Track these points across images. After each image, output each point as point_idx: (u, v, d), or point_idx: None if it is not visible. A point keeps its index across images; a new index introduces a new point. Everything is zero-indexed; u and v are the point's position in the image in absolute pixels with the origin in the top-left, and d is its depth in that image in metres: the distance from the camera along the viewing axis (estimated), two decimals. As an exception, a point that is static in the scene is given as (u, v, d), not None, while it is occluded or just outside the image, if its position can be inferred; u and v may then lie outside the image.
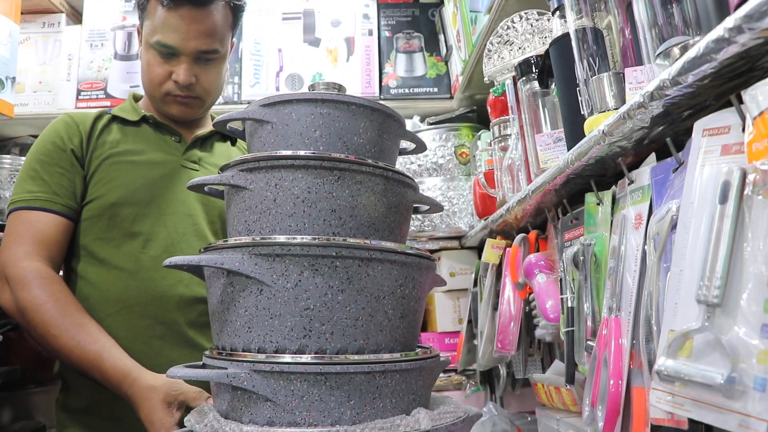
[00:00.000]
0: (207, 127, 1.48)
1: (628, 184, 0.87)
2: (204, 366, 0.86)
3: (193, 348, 1.26)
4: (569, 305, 0.99)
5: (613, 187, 0.93)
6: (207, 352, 0.88)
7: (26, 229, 1.25)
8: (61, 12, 2.39)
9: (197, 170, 1.38)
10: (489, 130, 1.66)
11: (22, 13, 1.94)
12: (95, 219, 1.30)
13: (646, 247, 0.77)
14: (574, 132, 1.01)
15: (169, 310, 1.26)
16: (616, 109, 0.87)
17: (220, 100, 2.25)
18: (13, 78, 1.83)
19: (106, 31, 2.37)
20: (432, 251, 2.01)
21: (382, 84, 2.32)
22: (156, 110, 1.42)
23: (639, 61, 0.87)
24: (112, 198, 1.29)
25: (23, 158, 2.18)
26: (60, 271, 1.31)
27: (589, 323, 0.93)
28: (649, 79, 0.78)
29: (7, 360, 1.67)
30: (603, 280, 0.90)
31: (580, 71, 0.97)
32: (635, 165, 0.88)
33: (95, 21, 2.39)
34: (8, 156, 2.21)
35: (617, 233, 0.86)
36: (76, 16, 2.45)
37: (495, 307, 1.46)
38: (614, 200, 0.92)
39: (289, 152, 0.86)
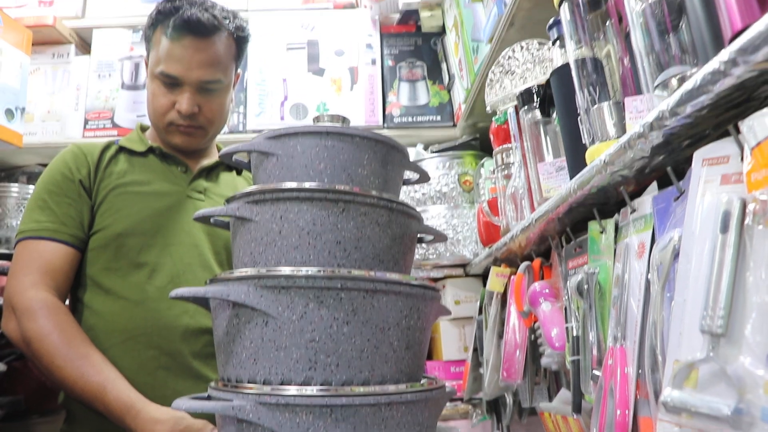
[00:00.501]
0: (213, 158, 1.49)
1: (631, 213, 0.87)
2: (209, 398, 0.86)
3: (198, 379, 1.25)
4: (574, 334, 0.99)
5: (616, 215, 0.93)
6: (212, 384, 0.88)
7: (33, 259, 1.26)
8: (71, 43, 2.42)
9: (203, 201, 1.39)
10: (492, 157, 1.67)
11: (32, 45, 1.97)
12: (102, 249, 1.30)
13: (649, 275, 0.78)
14: (576, 161, 1.02)
15: (174, 340, 1.26)
16: (617, 138, 0.88)
17: (225, 129, 2.26)
18: (23, 108, 1.85)
19: (113, 62, 2.40)
20: (436, 279, 2.01)
21: (386, 112, 2.34)
22: (161, 141, 1.44)
23: (638, 90, 0.88)
24: (118, 228, 1.30)
25: (31, 186, 2.20)
26: (66, 300, 1.32)
27: (595, 352, 0.93)
28: (649, 109, 0.79)
29: (11, 390, 1.67)
30: (607, 308, 0.90)
31: (580, 100, 0.98)
32: (637, 193, 0.88)
33: (103, 52, 2.42)
34: (16, 184, 2.23)
35: (621, 262, 0.86)
36: (84, 47, 2.48)
37: (500, 336, 1.45)
38: (617, 228, 0.92)
39: (294, 184, 0.87)
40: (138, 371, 1.22)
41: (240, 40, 1.43)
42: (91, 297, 1.30)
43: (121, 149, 1.41)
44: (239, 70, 1.50)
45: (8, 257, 1.60)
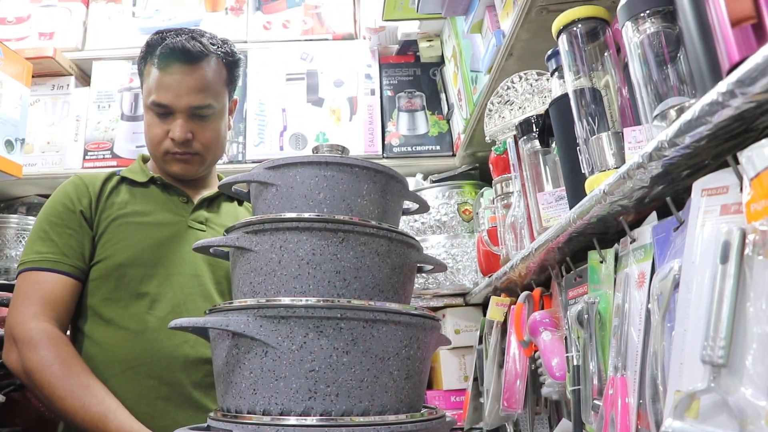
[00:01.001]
0: (214, 188, 1.50)
1: (631, 243, 0.87)
2: (209, 428, 0.85)
3: (197, 409, 1.24)
4: (575, 363, 0.99)
5: (616, 245, 0.94)
6: (212, 414, 0.87)
7: (34, 290, 1.26)
8: (71, 75, 2.44)
9: (204, 231, 1.39)
10: (491, 187, 1.68)
11: (32, 76, 1.99)
12: (103, 279, 1.30)
13: (649, 305, 0.77)
14: (576, 190, 1.02)
15: (174, 370, 1.25)
16: (616, 168, 0.88)
17: (225, 159, 2.27)
18: (23, 139, 1.87)
19: (113, 93, 2.42)
20: (436, 308, 2.00)
21: (385, 142, 2.35)
22: (162, 171, 1.44)
23: (637, 120, 0.89)
24: (119, 259, 1.30)
25: (30, 217, 2.21)
26: (67, 331, 1.31)
27: (596, 382, 0.92)
28: (648, 139, 0.79)
29: (10, 421, 1.65)
30: (608, 338, 0.90)
31: (579, 130, 0.99)
32: (637, 223, 0.88)
33: (103, 83, 2.44)
34: (15, 215, 2.24)
35: (621, 291, 0.86)
36: (84, 78, 2.50)
37: (501, 365, 1.44)
38: (617, 258, 0.92)
39: (293, 215, 0.88)
40: (138, 401, 1.21)
41: (230, 64, 1.44)
42: (92, 327, 1.30)
43: (123, 180, 1.42)
44: (236, 97, 1.51)
45: (8, 288, 1.60)
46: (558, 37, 1.03)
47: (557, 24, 1.02)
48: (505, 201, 1.56)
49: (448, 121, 2.37)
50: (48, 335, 1.21)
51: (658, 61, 0.77)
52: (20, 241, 2.15)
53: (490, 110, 1.61)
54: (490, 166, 1.67)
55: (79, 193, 1.36)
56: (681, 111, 0.70)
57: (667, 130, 0.68)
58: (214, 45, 1.40)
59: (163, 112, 1.36)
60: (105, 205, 1.36)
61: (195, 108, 1.36)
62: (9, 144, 1.80)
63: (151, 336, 1.26)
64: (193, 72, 1.35)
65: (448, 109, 2.33)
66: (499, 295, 1.53)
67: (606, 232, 0.99)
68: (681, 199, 0.75)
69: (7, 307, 1.54)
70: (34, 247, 1.31)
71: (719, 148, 0.68)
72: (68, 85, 2.44)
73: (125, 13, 2.53)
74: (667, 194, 0.79)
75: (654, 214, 0.84)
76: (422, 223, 2.00)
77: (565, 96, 1.05)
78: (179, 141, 1.36)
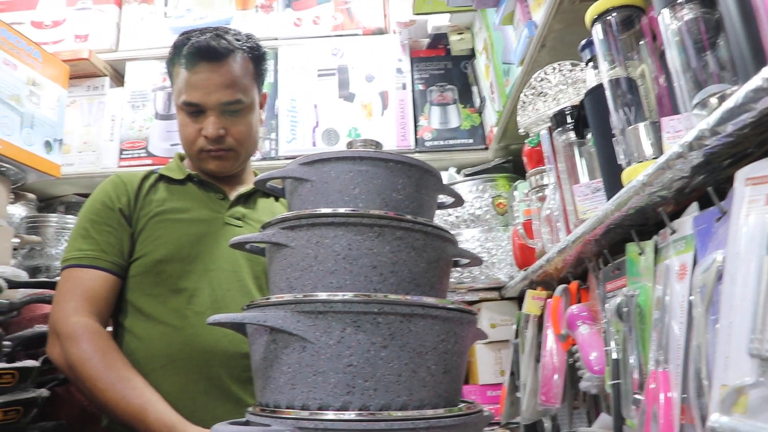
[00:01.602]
0: (250, 184, 1.51)
1: (670, 234, 0.86)
2: (247, 422, 0.86)
3: (236, 403, 1.25)
4: (614, 357, 0.98)
5: (655, 236, 0.92)
6: (250, 409, 0.88)
7: (76, 286, 1.29)
8: (105, 75, 2.49)
9: (241, 227, 1.40)
10: (525, 180, 1.66)
11: (69, 78, 2.02)
12: (142, 275, 1.33)
13: (691, 298, 0.76)
14: (612, 182, 1.01)
15: (213, 365, 1.27)
16: (654, 158, 0.87)
17: (258, 156, 2.29)
18: (60, 140, 1.90)
19: (147, 92, 2.46)
20: (471, 303, 1.99)
21: (417, 137, 2.35)
22: (198, 169, 1.46)
23: (675, 110, 0.87)
24: (158, 255, 1.32)
25: (68, 216, 2.25)
26: (108, 326, 1.34)
27: (636, 376, 0.91)
28: (687, 128, 0.78)
29: (54, 415, 1.69)
30: (648, 331, 0.88)
31: (615, 121, 0.98)
32: (677, 214, 0.87)
33: (137, 83, 2.48)
34: (54, 215, 2.28)
35: (661, 284, 0.84)
36: (118, 78, 2.54)
37: (537, 359, 1.43)
38: (656, 250, 0.91)
39: (329, 210, 0.88)
40: (178, 395, 1.23)
41: (256, 59, 1.45)
42: (133, 322, 1.32)
43: (161, 178, 1.44)
44: (265, 91, 1.52)
45: (49, 285, 1.64)
46: (592, 26, 1.02)
47: (591, 13, 1.01)
48: (540, 193, 1.55)
49: (480, 114, 2.35)
50: (89, 329, 1.24)
51: (697, 48, 0.75)
52: (60, 239, 2.19)
53: (524, 102, 1.59)
54: (524, 158, 1.66)
55: (118, 191, 1.38)
56: (722, 98, 0.69)
57: (708, 119, 0.66)
58: (239, 41, 1.41)
59: (194, 111, 1.38)
60: (143, 202, 1.38)
61: (225, 104, 1.37)
62: (48, 145, 1.84)
63: (190, 331, 1.28)
64: (220, 69, 1.36)
65: (480, 102, 2.32)
66: (535, 289, 1.52)
67: (644, 223, 0.98)
68: (722, 189, 0.74)
69: (49, 304, 1.57)
70: (76, 245, 1.34)
71: (763, 136, 0.66)
72: (103, 85, 2.48)
73: (157, 13, 2.57)
74: (708, 184, 0.77)
75: (695, 205, 0.82)
76: (456, 217, 1.99)
77: (600, 86, 1.04)
78: (212, 138, 1.37)
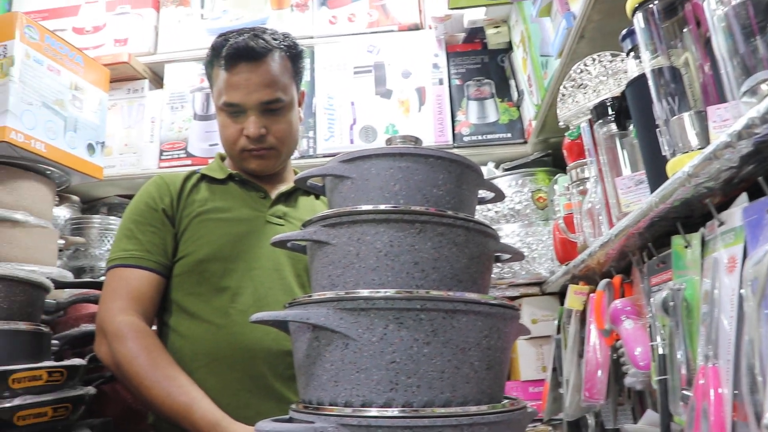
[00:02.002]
0: (290, 183, 1.52)
1: (718, 226, 0.84)
2: (291, 419, 0.87)
3: (279, 401, 1.26)
4: (660, 352, 0.96)
5: (702, 229, 0.90)
6: (294, 406, 0.88)
7: (122, 286, 1.31)
8: (144, 78, 2.53)
9: (282, 225, 1.41)
10: (566, 173, 1.64)
11: (110, 82, 2.06)
12: (186, 275, 1.35)
13: (742, 291, 0.74)
14: (656, 174, 0.99)
15: (256, 363, 1.28)
16: (700, 149, 0.85)
17: (296, 154, 2.30)
18: (102, 142, 1.94)
19: (185, 94, 2.49)
20: (512, 298, 1.98)
21: (455, 132, 2.33)
22: (239, 168, 1.47)
23: (722, 98, 0.85)
24: (201, 254, 1.34)
25: (111, 218, 2.29)
26: (153, 324, 1.36)
27: (684, 371, 0.89)
28: (735, 117, 0.76)
29: (100, 412, 1.72)
30: (696, 326, 0.86)
31: (659, 111, 0.96)
32: (724, 205, 0.85)
33: (175, 84, 2.52)
34: (98, 216, 2.33)
35: (709, 277, 0.82)
36: (157, 81, 2.58)
37: (580, 355, 1.42)
38: (703, 243, 0.89)
39: (370, 207, 0.88)
40: (222, 393, 1.24)
41: (294, 57, 1.46)
42: (177, 321, 1.35)
43: (203, 178, 1.46)
44: (303, 89, 1.53)
45: (94, 285, 1.67)
46: (633, 15, 1.00)
47: (632, 2, 0.99)
48: (581, 187, 1.53)
49: (518, 108, 2.33)
50: (135, 328, 1.26)
51: (746, 33, 0.73)
52: (103, 240, 2.23)
53: (563, 95, 1.57)
54: (564, 152, 1.64)
55: (161, 192, 1.40)
56: (773, 85, 0.67)
57: (758, 106, 0.64)
58: (276, 40, 1.42)
59: (235, 111, 1.39)
60: (186, 202, 1.40)
61: (265, 103, 1.38)
62: (90, 147, 1.87)
63: (233, 329, 1.29)
64: (259, 68, 1.38)
65: (518, 96, 2.29)
66: (577, 283, 1.50)
67: (690, 215, 0.96)
68: (774, 179, 0.72)
69: (94, 303, 1.60)
70: (120, 245, 1.36)
71: (816, 124, 0.64)
72: (142, 88, 2.53)
73: (194, 15, 2.60)
74: (758, 174, 0.75)
75: (744, 196, 0.80)
76: (496, 212, 1.98)
77: (643, 76, 1.02)
78: (254, 137, 1.39)
